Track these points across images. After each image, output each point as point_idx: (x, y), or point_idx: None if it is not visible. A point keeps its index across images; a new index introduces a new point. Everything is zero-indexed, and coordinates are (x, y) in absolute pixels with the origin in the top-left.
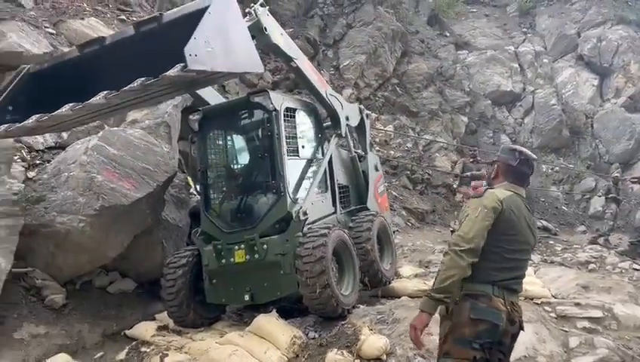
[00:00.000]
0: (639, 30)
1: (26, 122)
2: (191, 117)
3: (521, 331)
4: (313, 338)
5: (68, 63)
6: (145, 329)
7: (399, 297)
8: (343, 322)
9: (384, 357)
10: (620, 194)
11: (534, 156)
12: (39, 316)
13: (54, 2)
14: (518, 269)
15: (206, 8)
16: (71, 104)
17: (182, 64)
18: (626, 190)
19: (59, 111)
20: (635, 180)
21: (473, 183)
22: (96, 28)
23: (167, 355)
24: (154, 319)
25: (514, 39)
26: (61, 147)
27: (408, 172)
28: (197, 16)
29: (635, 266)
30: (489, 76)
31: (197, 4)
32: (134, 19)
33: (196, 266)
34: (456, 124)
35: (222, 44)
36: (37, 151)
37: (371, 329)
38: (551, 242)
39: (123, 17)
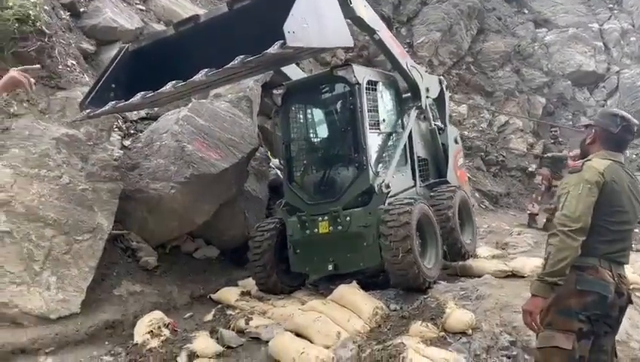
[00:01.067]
0: None
1: (132, 99)
2: (275, 91)
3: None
4: (394, 310)
5: (165, 41)
6: (229, 294)
7: (479, 276)
8: (425, 296)
9: (470, 331)
10: None
11: (637, 122)
12: (135, 275)
13: None
14: (623, 241)
15: None
16: (173, 82)
17: (281, 41)
18: None
19: (163, 88)
20: None
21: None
22: (182, 5)
23: (251, 319)
24: (236, 285)
25: (598, 16)
26: (152, 118)
27: (482, 153)
28: None
29: None
30: (570, 55)
31: None
32: None
33: (281, 236)
34: (533, 105)
35: (316, 20)
36: (131, 121)
37: (456, 304)
38: (636, 230)
39: None
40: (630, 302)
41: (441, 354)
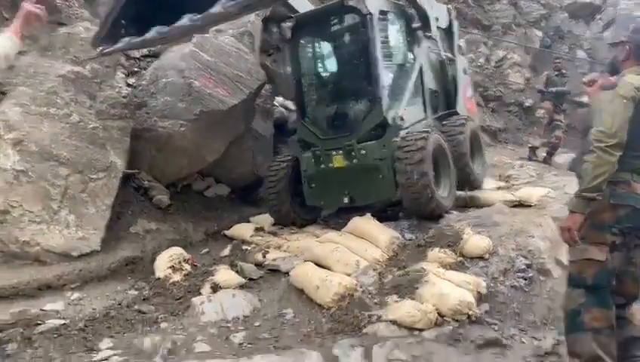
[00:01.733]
0: None
1: (147, 35)
2: (283, 24)
3: None
4: (410, 240)
5: None
6: (244, 230)
7: (487, 206)
8: (439, 224)
9: (487, 256)
10: None
11: None
12: (149, 214)
13: None
14: None
15: None
16: (189, 15)
17: None
18: None
19: (179, 22)
20: None
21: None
22: None
23: (268, 252)
24: (249, 222)
25: None
26: (155, 55)
27: (481, 89)
28: None
29: None
30: None
31: None
32: None
33: (295, 170)
34: (530, 39)
35: None
36: (134, 58)
37: (472, 231)
38: None
39: None
40: None
41: (460, 277)
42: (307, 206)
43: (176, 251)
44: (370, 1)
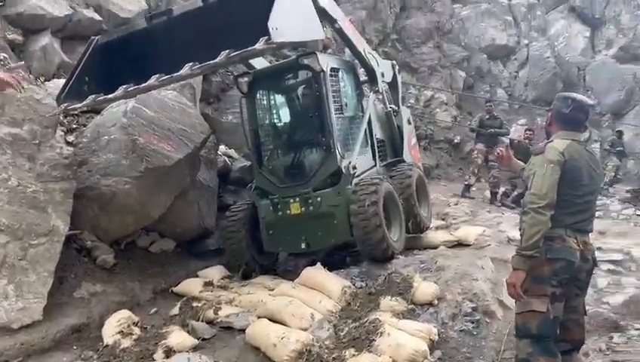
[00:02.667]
0: None
1: (115, 93)
2: (240, 79)
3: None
4: (361, 288)
5: (137, 34)
6: (192, 286)
7: (430, 248)
8: (389, 272)
9: (436, 302)
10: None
11: (589, 101)
12: (94, 275)
13: None
14: (587, 211)
15: None
16: (156, 76)
17: (266, 37)
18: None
19: (148, 82)
20: None
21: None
22: None
23: (220, 308)
24: (197, 276)
25: None
26: (94, 111)
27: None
28: None
29: (638, 212)
30: (484, 30)
31: None
32: None
33: (252, 218)
34: (454, 79)
35: (295, 15)
36: (73, 115)
37: (420, 277)
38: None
39: None
40: (595, 265)
41: (414, 326)
42: (265, 252)
43: (124, 314)
44: (323, 60)
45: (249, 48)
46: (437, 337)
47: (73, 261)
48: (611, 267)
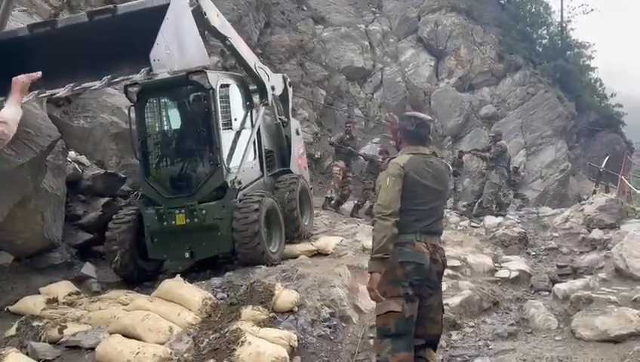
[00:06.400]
0: (468, 18)
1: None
2: (129, 89)
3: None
4: (222, 299)
5: (17, 40)
6: (32, 304)
7: (290, 258)
8: (251, 281)
9: (296, 309)
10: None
11: (429, 117)
12: None
13: None
14: (433, 215)
15: (163, 9)
16: (36, 92)
17: (147, 68)
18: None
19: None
20: (477, 152)
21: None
22: None
23: (65, 327)
24: (39, 293)
25: (364, 18)
26: None
27: None
28: (151, 12)
29: (473, 224)
30: (343, 52)
31: (153, 1)
32: None
33: (138, 224)
34: (316, 97)
35: (178, 45)
36: None
37: (282, 286)
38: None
39: None
40: (445, 266)
41: (274, 334)
42: (149, 259)
43: None
44: (212, 77)
45: (130, 76)
46: (297, 343)
47: None
48: (450, 272)
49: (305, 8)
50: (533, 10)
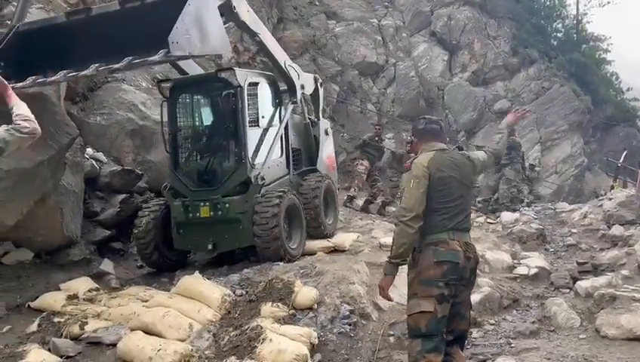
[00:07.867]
0: (482, 12)
1: (24, 82)
2: (162, 84)
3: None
4: (241, 296)
5: (55, 27)
6: (53, 300)
7: (308, 254)
8: (270, 278)
9: (315, 306)
10: None
11: (436, 118)
12: None
13: None
14: (462, 211)
15: None
16: (65, 71)
17: (165, 50)
18: None
19: (55, 77)
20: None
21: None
22: None
23: (86, 323)
24: (59, 289)
25: (377, 12)
26: None
27: None
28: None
29: (489, 221)
30: (356, 47)
31: None
32: None
33: (165, 215)
34: (329, 93)
35: (198, 31)
36: None
37: (301, 282)
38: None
39: None
40: (477, 262)
41: (295, 331)
42: (175, 249)
43: None
44: (241, 75)
45: (148, 58)
46: (317, 340)
47: None
48: None
49: (317, 3)
50: (548, 3)
